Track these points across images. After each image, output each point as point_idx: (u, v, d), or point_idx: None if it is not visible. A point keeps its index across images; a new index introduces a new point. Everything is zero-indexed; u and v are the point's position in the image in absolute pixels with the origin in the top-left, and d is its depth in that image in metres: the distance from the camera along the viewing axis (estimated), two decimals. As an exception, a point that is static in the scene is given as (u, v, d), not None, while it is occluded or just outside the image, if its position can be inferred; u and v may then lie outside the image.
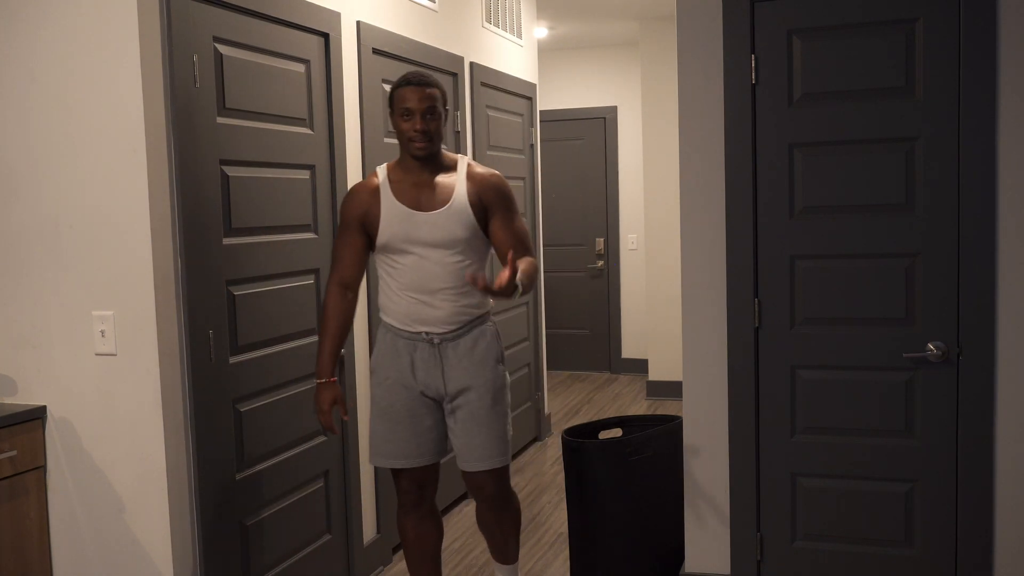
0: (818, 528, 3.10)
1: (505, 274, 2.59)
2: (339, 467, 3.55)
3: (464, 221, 2.86)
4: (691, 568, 3.23)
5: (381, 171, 2.95)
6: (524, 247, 2.94)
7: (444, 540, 3.51)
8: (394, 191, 2.87)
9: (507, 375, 3.02)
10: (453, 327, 2.89)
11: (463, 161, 2.96)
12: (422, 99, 2.81)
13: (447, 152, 2.97)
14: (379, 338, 2.99)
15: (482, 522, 3.15)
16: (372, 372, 3.01)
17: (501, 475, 3.01)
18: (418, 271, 2.85)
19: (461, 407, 2.92)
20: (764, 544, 3.15)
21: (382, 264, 2.93)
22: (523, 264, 2.78)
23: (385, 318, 2.96)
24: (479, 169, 2.95)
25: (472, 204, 2.87)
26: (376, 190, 2.89)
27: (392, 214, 2.85)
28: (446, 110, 2.93)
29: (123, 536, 2.74)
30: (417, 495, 3.03)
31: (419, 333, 2.88)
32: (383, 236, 2.86)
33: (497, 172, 2.98)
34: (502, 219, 2.92)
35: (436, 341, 2.88)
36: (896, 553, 3.03)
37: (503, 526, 3.12)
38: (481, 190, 2.89)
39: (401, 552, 4.03)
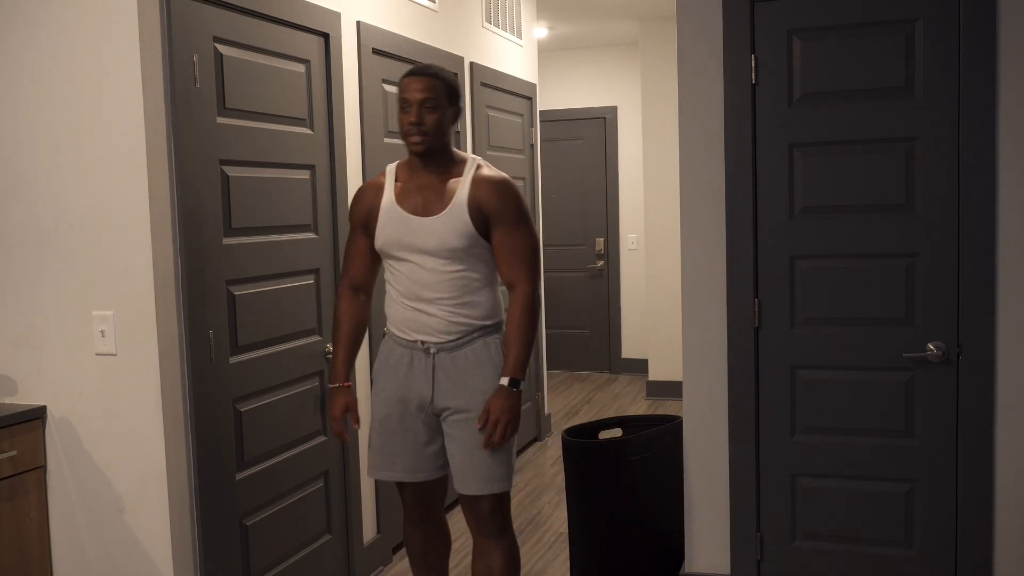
0: (818, 528, 3.10)
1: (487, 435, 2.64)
2: (339, 467, 3.55)
3: (460, 229, 2.62)
4: (691, 568, 3.23)
5: (390, 169, 2.77)
6: (520, 266, 2.68)
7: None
8: (397, 192, 2.69)
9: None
10: (451, 337, 2.68)
11: (472, 163, 2.70)
12: (419, 89, 2.60)
13: (459, 152, 2.76)
14: (381, 347, 2.84)
15: (475, 557, 2.82)
16: (372, 382, 2.88)
17: (499, 501, 2.76)
18: (413, 278, 2.67)
19: (457, 424, 2.71)
20: (764, 544, 3.15)
21: (386, 269, 2.79)
22: (510, 349, 2.68)
23: (387, 326, 2.82)
24: (486, 172, 2.69)
25: (471, 211, 2.62)
26: (380, 189, 2.73)
27: (388, 217, 2.68)
28: (456, 106, 2.69)
29: (123, 536, 2.74)
30: (423, 510, 2.88)
31: (415, 342, 2.71)
32: (378, 240, 2.71)
33: (506, 177, 2.72)
34: (502, 230, 2.66)
35: (432, 351, 2.69)
36: (896, 553, 3.03)
37: (494, 561, 2.77)
38: (482, 196, 2.63)
39: (402, 552, 4.03)
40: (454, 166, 2.70)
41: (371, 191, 2.76)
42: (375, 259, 2.81)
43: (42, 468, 2.79)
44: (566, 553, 3.91)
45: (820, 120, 2.97)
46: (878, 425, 3.01)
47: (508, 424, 2.65)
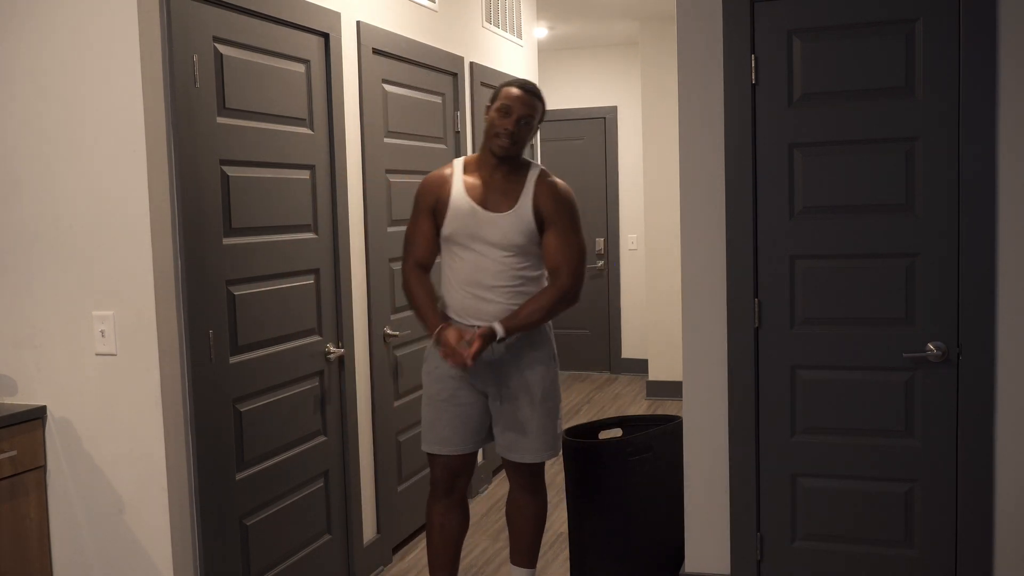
0: (818, 528, 3.10)
1: (472, 349, 2.81)
2: (339, 467, 3.56)
3: (524, 228, 2.96)
4: (691, 568, 3.23)
5: (457, 163, 3.07)
6: (567, 261, 2.98)
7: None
8: (465, 186, 2.99)
9: (557, 372, 3.13)
10: None
11: (536, 169, 3.04)
12: (524, 104, 2.94)
13: (524, 158, 3.07)
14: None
15: (514, 510, 3.22)
16: (424, 360, 3.13)
17: (542, 465, 3.18)
18: (475, 266, 2.97)
19: (511, 400, 3.02)
20: (764, 544, 3.15)
21: (445, 255, 3.05)
22: (523, 308, 2.95)
23: (444, 310, 3.06)
24: (550, 178, 3.03)
25: (535, 212, 2.96)
26: (448, 180, 3.02)
27: (459, 208, 2.97)
28: (539, 126, 3.05)
29: (123, 536, 2.75)
30: (449, 484, 3.12)
31: (473, 327, 2.96)
32: (447, 228, 2.99)
33: (567, 186, 3.05)
34: (555, 233, 2.99)
35: None
36: (896, 553, 3.03)
37: (535, 513, 3.21)
38: (543, 200, 2.98)
39: (402, 552, 4.03)
40: (520, 170, 3.02)
41: (438, 180, 3.04)
42: (437, 242, 3.07)
43: (42, 468, 2.79)
44: (566, 553, 3.91)
45: (820, 120, 2.97)
46: (878, 425, 3.01)
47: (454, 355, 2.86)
